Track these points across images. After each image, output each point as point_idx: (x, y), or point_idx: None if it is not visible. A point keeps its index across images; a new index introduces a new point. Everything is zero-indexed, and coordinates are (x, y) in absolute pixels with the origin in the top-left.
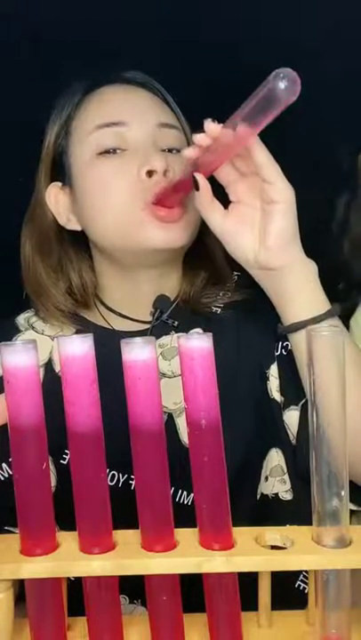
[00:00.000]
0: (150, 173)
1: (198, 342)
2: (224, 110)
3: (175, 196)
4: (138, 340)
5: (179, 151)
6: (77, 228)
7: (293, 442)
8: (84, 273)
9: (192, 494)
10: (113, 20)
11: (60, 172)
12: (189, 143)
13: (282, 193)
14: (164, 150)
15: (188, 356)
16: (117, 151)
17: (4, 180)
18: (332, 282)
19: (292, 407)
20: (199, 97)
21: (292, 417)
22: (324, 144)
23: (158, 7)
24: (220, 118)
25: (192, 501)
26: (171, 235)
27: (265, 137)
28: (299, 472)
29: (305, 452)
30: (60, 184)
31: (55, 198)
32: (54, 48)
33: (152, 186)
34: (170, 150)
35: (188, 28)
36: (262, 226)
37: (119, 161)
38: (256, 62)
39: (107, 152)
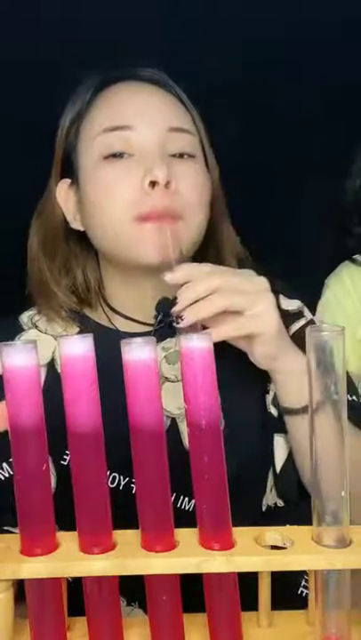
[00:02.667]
0: (153, 184)
1: (198, 342)
2: (224, 111)
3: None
4: (138, 339)
5: (190, 155)
6: (81, 228)
7: (278, 467)
8: (89, 271)
9: (187, 498)
10: (119, 18)
11: (70, 170)
12: (203, 145)
13: (263, 325)
14: (174, 155)
15: (188, 356)
16: (124, 155)
17: (8, 181)
18: None
19: (281, 434)
20: (199, 97)
21: (278, 442)
22: None
23: (160, 7)
24: (221, 119)
25: (193, 507)
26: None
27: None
28: (280, 494)
29: (291, 478)
30: (69, 181)
31: (65, 195)
32: (57, 47)
33: (154, 197)
34: (181, 155)
35: (188, 29)
36: (246, 345)
37: (123, 167)
38: (256, 62)
39: (113, 156)
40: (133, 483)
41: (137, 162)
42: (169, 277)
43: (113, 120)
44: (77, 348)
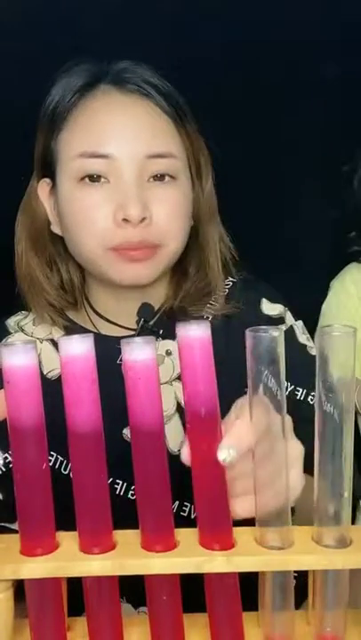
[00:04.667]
0: (127, 220)
1: (197, 331)
2: (224, 110)
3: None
4: (138, 339)
5: (171, 177)
6: (60, 233)
7: None
8: (72, 269)
9: (177, 502)
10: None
11: (49, 172)
12: (190, 163)
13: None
14: (155, 177)
15: (187, 344)
16: (100, 179)
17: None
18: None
19: None
20: (200, 96)
21: None
22: None
23: (161, 5)
24: (220, 118)
25: (177, 508)
26: (139, 273)
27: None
28: None
29: None
30: (51, 183)
31: (47, 197)
32: (60, 44)
33: (127, 231)
34: (161, 177)
35: (189, 28)
36: None
37: (97, 196)
38: (258, 62)
39: (89, 178)
40: (117, 483)
41: (112, 189)
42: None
43: (90, 145)
44: (77, 348)
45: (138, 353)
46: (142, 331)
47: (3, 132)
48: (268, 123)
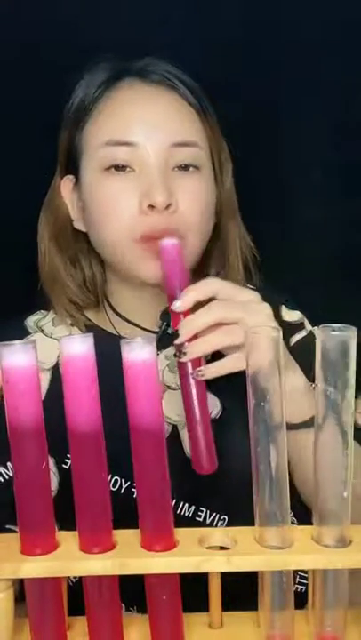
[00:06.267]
0: (152, 207)
1: None
2: (223, 109)
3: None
4: (138, 339)
5: (195, 167)
6: (83, 229)
7: None
8: (94, 266)
9: (193, 507)
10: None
11: (73, 168)
12: (213, 155)
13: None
14: (180, 167)
15: None
16: (126, 168)
17: (26, 180)
18: None
19: None
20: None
21: None
22: None
23: (164, 6)
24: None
25: (193, 513)
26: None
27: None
28: None
29: None
30: (74, 179)
31: (70, 194)
32: (79, 43)
33: (153, 218)
34: (185, 167)
35: (189, 27)
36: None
37: (123, 184)
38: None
39: (115, 168)
40: (135, 487)
41: (137, 178)
42: (178, 306)
43: (116, 133)
44: (78, 348)
45: (138, 353)
46: (163, 335)
47: (23, 132)
48: (269, 121)
